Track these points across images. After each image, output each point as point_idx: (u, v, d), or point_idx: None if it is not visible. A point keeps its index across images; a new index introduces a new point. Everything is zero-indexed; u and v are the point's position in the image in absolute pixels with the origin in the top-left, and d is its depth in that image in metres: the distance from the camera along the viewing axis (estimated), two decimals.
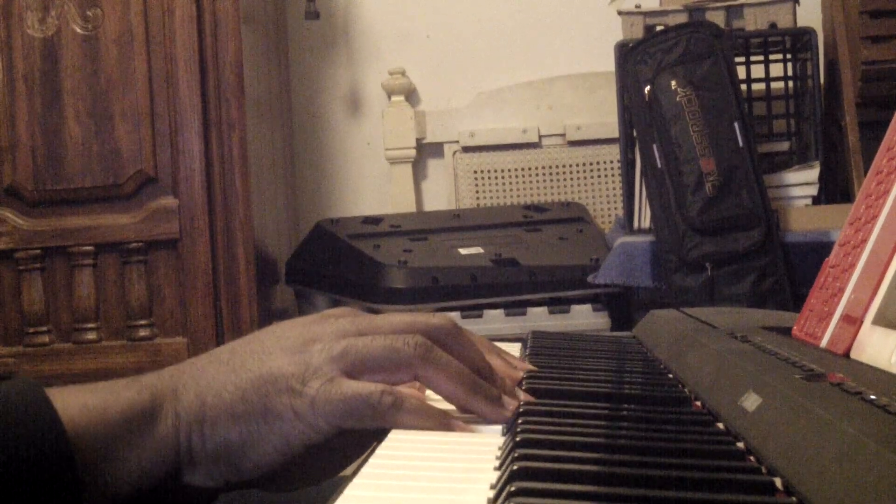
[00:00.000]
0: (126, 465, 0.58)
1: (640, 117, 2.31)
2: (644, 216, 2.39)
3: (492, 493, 0.47)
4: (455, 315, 2.36)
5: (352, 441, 0.64)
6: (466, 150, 2.97)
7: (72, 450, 0.55)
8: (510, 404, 0.64)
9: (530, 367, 0.75)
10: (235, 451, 0.60)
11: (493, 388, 0.65)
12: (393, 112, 3.01)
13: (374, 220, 2.71)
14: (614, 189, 2.88)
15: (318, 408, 0.59)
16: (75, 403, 0.57)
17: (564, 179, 2.93)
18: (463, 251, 2.54)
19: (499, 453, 0.55)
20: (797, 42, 2.49)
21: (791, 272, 2.22)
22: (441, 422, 0.62)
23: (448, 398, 0.64)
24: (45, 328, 2.41)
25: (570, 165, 2.93)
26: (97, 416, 0.57)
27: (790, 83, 2.55)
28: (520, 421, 0.58)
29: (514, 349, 0.94)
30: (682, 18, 2.42)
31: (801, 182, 2.35)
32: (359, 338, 0.62)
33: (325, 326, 0.63)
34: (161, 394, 0.60)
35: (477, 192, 2.94)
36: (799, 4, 2.45)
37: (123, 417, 0.58)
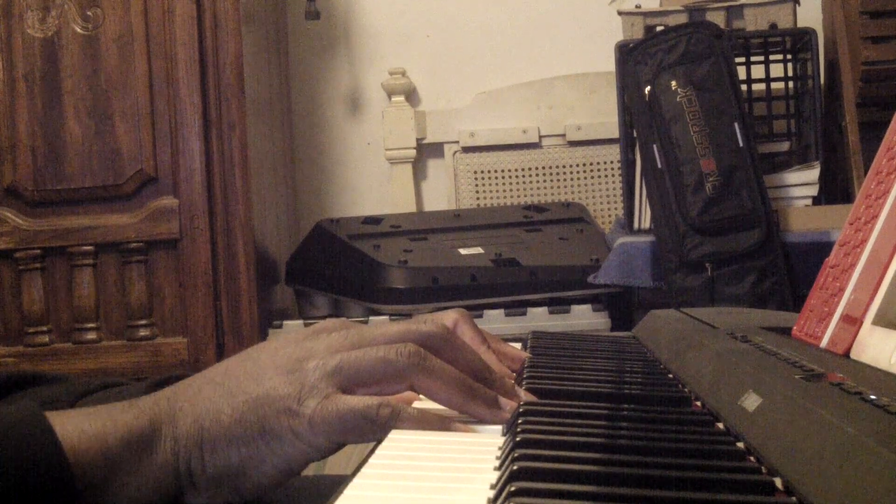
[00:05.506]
0: (126, 491, 0.58)
1: (640, 117, 2.31)
2: (644, 216, 2.39)
3: (492, 493, 0.47)
4: None
5: None
6: (466, 150, 2.97)
7: (73, 477, 0.55)
8: (507, 405, 0.64)
9: (525, 355, 0.75)
10: (236, 474, 0.60)
11: (488, 391, 0.65)
12: (393, 112, 3.01)
13: (374, 220, 2.71)
14: (614, 189, 2.88)
15: (316, 426, 0.59)
16: (74, 430, 0.57)
17: (564, 179, 2.93)
18: (463, 251, 2.54)
19: (499, 453, 0.55)
20: (797, 42, 2.49)
21: (791, 272, 2.22)
22: (441, 428, 0.62)
23: (445, 405, 0.65)
24: (45, 328, 2.41)
25: (570, 165, 2.93)
26: (97, 443, 0.57)
27: (790, 83, 2.55)
28: (520, 421, 0.58)
29: None
30: (683, 19, 2.42)
31: (802, 182, 2.35)
32: (352, 351, 0.62)
33: (318, 342, 0.63)
34: (159, 419, 0.60)
35: (477, 192, 2.94)
36: (799, 5, 2.45)
37: (123, 444, 0.58)
